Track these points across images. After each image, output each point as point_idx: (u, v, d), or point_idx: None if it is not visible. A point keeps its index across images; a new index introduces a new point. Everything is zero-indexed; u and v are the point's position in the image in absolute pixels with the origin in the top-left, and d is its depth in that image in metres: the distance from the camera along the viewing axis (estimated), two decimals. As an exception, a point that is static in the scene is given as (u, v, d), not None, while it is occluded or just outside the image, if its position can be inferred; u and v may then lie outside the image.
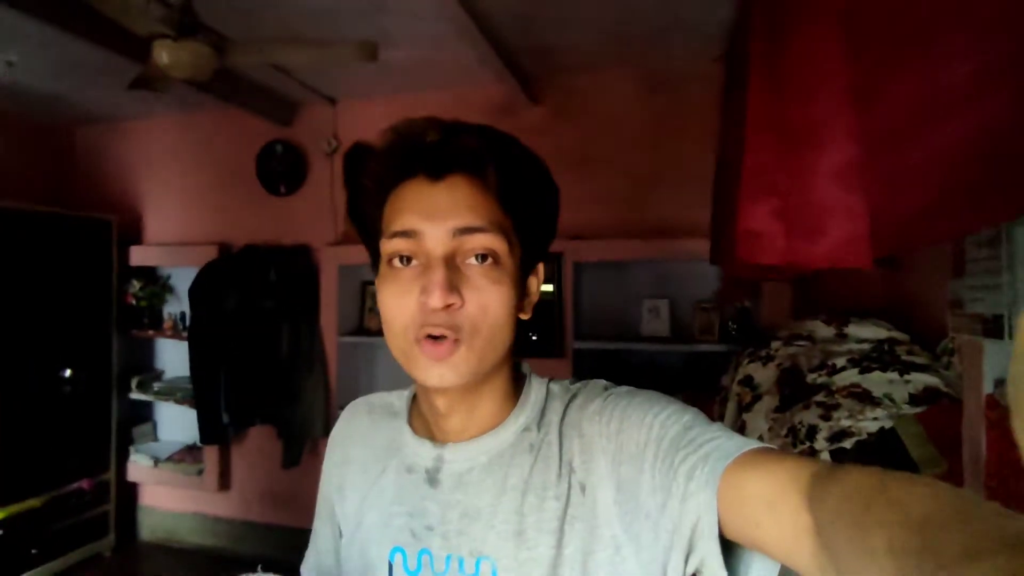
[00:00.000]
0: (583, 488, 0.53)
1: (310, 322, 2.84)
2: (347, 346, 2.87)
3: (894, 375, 1.62)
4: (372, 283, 2.99)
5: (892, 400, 1.58)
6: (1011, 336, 1.29)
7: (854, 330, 1.81)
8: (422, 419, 0.63)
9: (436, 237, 0.52)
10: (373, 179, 0.57)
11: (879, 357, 1.70)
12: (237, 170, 3.10)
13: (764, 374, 1.85)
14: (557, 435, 0.56)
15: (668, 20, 2.08)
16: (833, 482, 0.37)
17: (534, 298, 0.59)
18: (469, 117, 2.48)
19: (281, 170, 3.00)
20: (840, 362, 1.72)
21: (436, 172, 0.53)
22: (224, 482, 3.12)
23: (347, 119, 2.94)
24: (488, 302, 0.52)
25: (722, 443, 0.46)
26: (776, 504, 0.40)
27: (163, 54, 1.45)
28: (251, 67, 2.11)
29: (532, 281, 0.59)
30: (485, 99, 2.72)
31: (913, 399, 1.57)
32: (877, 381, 1.62)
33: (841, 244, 0.68)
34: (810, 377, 1.73)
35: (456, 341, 0.52)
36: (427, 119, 0.55)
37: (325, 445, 3.05)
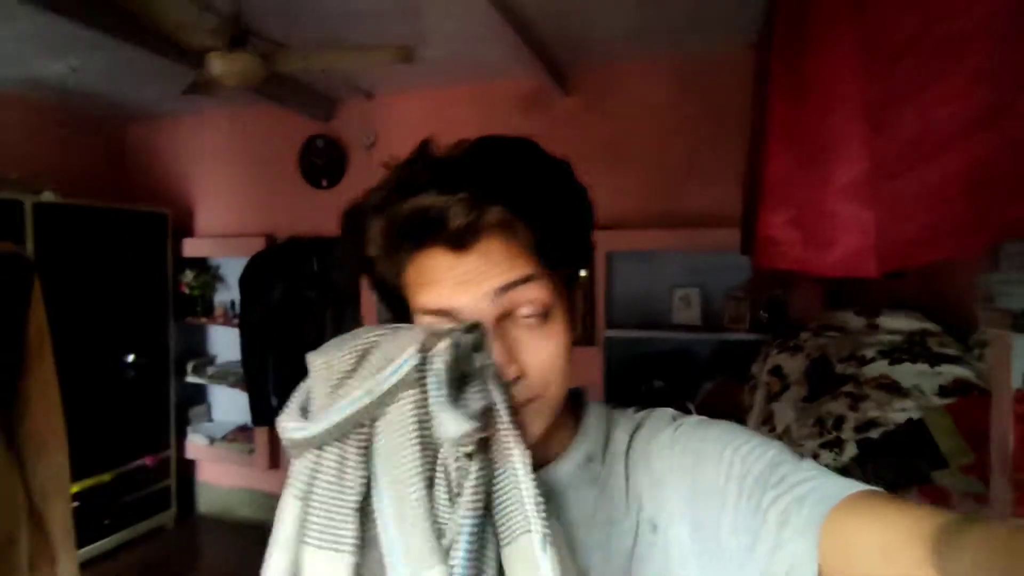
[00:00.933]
0: (654, 526, 0.49)
1: (353, 310, 2.98)
2: (386, 333, 2.99)
3: (924, 367, 1.63)
4: (409, 273, 3.11)
5: (921, 391, 1.59)
6: (1041, 331, 1.29)
7: (886, 321, 1.82)
8: None
9: (476, 309, 0.47)
10: (383, 251, 0.50)
11: (910, 349, 1.71)
12: (281, 164, 3.23)
13: (793, 364, 1.87)
14: (623, 467, 0.52)
15: (701, 7, 2.08)
16: (967, 534, 0.33)
17: (579, 310, 0.54)
18: (502, 110, 2.58)
19: (322, 164, 3.13)
20: (870, 353, 1.73)
21: (463, 245, 0.47)
22: (274, 461, 3.31)
23: (384, 113, 3.03)
24: (547, 360, 0.48)
25: (819, 484, 0.42)
26: (893, 555, 0.36)
27: (216, 65, 1.55)
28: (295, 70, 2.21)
29: (577, 296, 0.53)
30: (517, 91, 2.76)
31: (943, 391, 1.58)
32: (906, 373, 1.64)
33: (850, 255, 0.72)
34: (839, 368, 1.75)
35: (528, 403, 0.47)
36: (435, 178, 0.46)
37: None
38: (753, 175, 1.75)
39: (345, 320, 2.99)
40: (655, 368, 2.64)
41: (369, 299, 2.95)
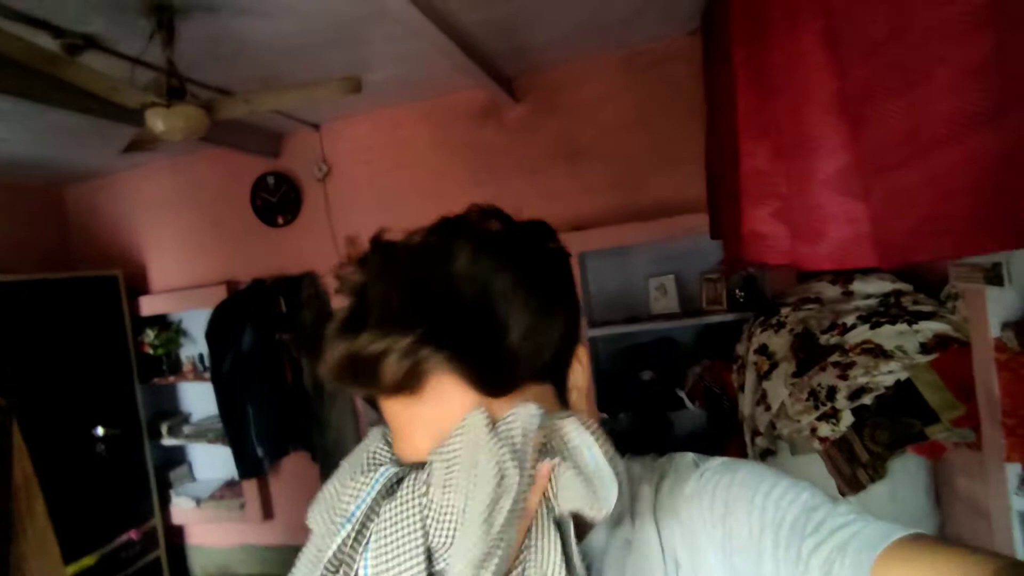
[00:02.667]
0: None
1: (328, 347, 2.89)
2: (367, 365, 2.92)
3: (903, 327, 1.68)
4: (382, 300, 3.05)
5: (904, 351, 1.64)
6: (1011, 282, 1.35)
7: (859, 286, 1.87)
8: None
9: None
10: (338, 388, 0.47)
11: (887, 311, 1.76)
12: (232, 207, 3.12)
13: (778, 341, 1.91)
14: (654, 525, 0.50)
15: (640, 1, 2.09)
16: None
17: (581, 384, 0.51)
18: (455, 123, 2.55)
19: (276, 201, 3.03)
20: (850, 320, 1.78)
21: (409, 391, 0.44)
22: (267, 511, 3.20)
23: (334, 141, 2.96)
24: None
25: (860, 530, 0.41)
26: None
27: (158, 122, 1.48)
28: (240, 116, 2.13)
29: (570, 376, 0.51)
30: (468, 104, 2.74)
31: (924, 348, 1.63)
32: (888, 335, 1.68)
33: (842, 246, 0.72)
34: (823, 339, 1.79)
35: None
36: (374, 319, 0.43)
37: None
38: (718, 162, 1.77)
39: (323, 358, 2.90)
40: (642, 360, 2.66)
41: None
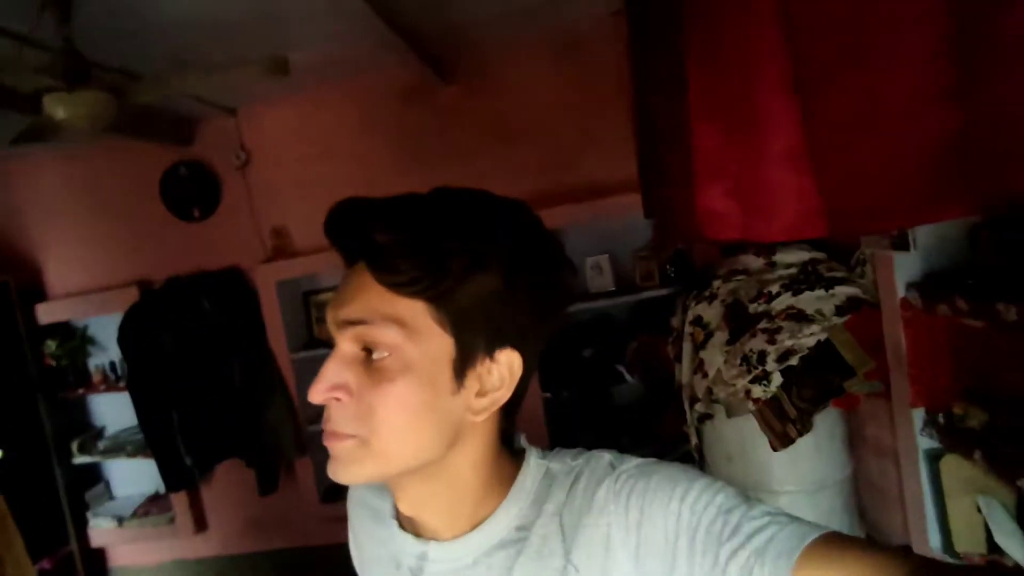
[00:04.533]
0: None
1: (258, 345, 2.75)
2: (302, 362, 2.81)
3: (821, 292, 1.83)
4: (315, 293, 2.94)
5: (823, 314, 1.79)
6: (915, 247, 1.49)
7: (781, 257, 2.00)
8: None
9: (333, 327, 0.49)
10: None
11: (806, 278, 1.90)
12: (141, 201, 2.88)
13: (711, 312, 2.02)
14: (558, 528, 0.49)
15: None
16: None
17: (499, 395, 0.49)
18: (380, 104, 2.49)
19: (191, 193, 2.82)
20: (775, 289, 1.91)
21: (347, 259, 0.51)
22: (200, 523, 3.02)
23: (253, 127, 2.79)
24: (374, 401, 0.47)
25: (776, 534, 0.41)
26: None
27: (58, 109, 1.33)
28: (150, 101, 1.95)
29: (483, 373, 0.49)
30: (396, 84, 2.66)
31: (839, 310, 1.79)
32: (808, 300, 1.83)
33: (794, 221, 0.78)
34: (752, 307, 1.92)
35: (347, 437, 0.48)
36: (356, 200, 0.50)
37: (301, 466, 2.95)
38: (652, 143, 1.83)
39: (252, 358, 2.76)
40: (581, 338, 2.73)
41: (276, 329, 2.74)
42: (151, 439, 2.73)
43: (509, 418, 0.54)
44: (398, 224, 0.47)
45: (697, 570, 0.43)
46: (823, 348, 1.77)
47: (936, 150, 0.52)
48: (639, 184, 2.22)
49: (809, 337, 1.77)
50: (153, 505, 3.08)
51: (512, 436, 0.56)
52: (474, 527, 0.52)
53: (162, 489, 2.88)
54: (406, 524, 0.55)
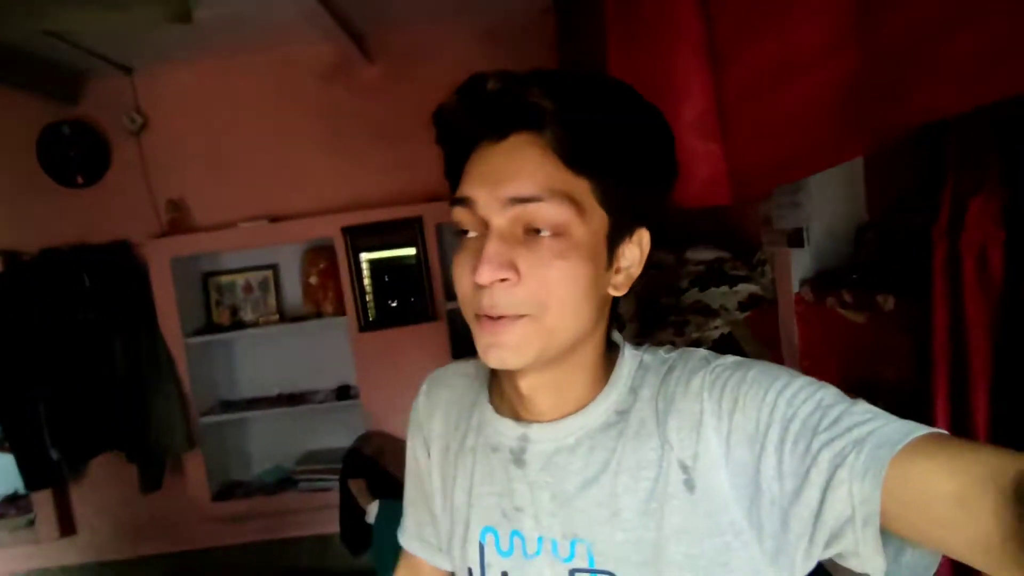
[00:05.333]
0: (684, 468, 0.49)
1: (147, 327, 2.51)
2: (197, 347, 2.60)
3: (725, 288, 1.92)
4: (215, 274, 2.73)
5: (727, 309, 1.88)
6: (809, 244, 1.60)
7: (691, 254, 2.09)
8: (504, 395, 0.58)
9: (490, 206, 0.48)
10: (449, 143, 0.54)
11: (712, 275, 2.00)
12: (12, 162, 2.55)
13: (626, 305, 2.07)
14: (653, 412, 0.51)
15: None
16: None
17: (633, 270, 0.52)
18: (299, 78, 2.36)
19: (74, 157, 2.53)
20: (684, 284, 1.99)
21: (496, 132, 0.49)
22: (66, 526, 2.70)
23: (151, 89, 2.55)
24: (549, 278, 0.47)
25: (880, 427, 0.41)
26: (969, 503, 0.35)
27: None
28: (20, 36, 1.72)
29: (626, 250, 0.51)
30: (315, 59, 2.54)
31: (741, 306, 1.89)
32: (713, 295, 1.92)
33: (704, 186, 0.80)
34: (663, 301, 1.98)
35: (518, 318, 0.48)
36: (496, 71, 0.49)
37: (190, 461, 2.74)
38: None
39: (140, 341, 2.51)
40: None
41: (169, 311, 2.51)
42: (10, 430, 2.42)
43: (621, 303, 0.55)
44: (575, 98, 0.46)
45: (787, 458, 0.43)
46: (726, 341, 1.85)
47: (836, 96, 0.55)
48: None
49: (714, 330, 1.86)
50: (10, 506, 2.72)
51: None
52: (577, 410, 0.54)
53: (22, 488, 2.55)
54: (502, 410, 0.57)
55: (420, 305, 2.57)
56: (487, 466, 0.57)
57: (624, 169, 0.48)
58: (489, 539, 0.57)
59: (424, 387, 0.67)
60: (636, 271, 0.52)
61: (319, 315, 2.62)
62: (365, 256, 2.53)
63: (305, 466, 2.67)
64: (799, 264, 1.63)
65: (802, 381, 0.46)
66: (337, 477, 2.29)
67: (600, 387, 0.54)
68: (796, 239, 1.60)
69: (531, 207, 0.46)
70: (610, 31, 0.92)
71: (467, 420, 0.61)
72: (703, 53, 0.73)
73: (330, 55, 2.51)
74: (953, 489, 0.36)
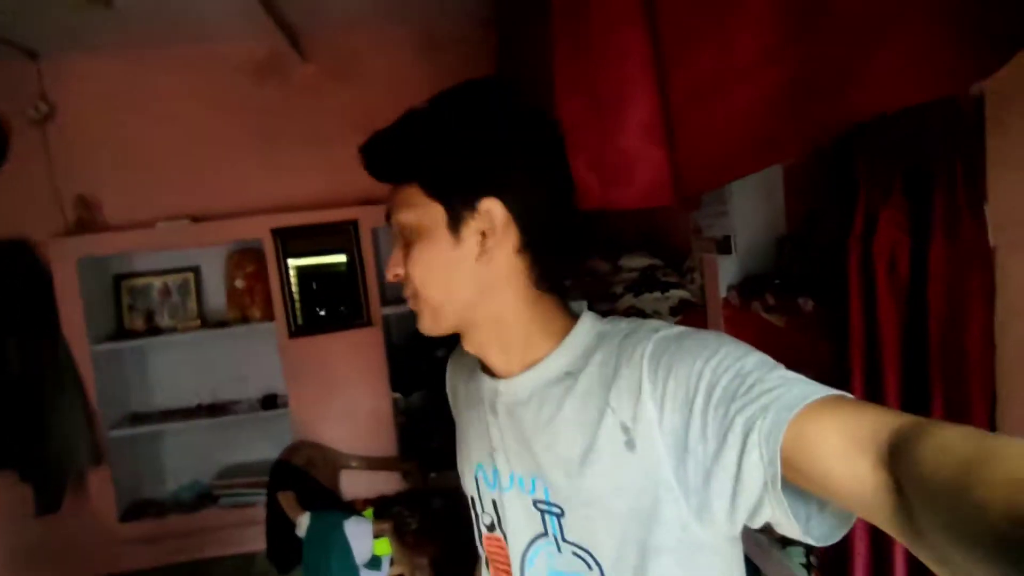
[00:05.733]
0: (625, 429, 0.54)
1: (49, 333, 2.30)
2: (105, 355, 2.40)
3: (658, 294, 2.00)
4: (129, 277, 2.54)
5: (659, 313, 1.96)
6: (736, 251, 1.70)
7: (625, 262, 2.17)
8: None
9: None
10: None
11: (645, 281, 2.08)
12: None
13: (562, 310, 2.11)
14: (601, 376, 0.57)
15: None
16: (926, 438, 0.35)
17: (490, 242, 0.58)
18: (227, 75, 2.28)
19: (-37, 144, 2.29)
20: (619, 290, 2.06)
21: (383, 181, 0.65)
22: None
23: (59, 77, 2.36)
24: (413, 268, 0.60)
25: (783, 392, 0.44)
26: (852, 456, 0.39)
27: None
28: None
29: (472, 224, 0.59)
30: (246, 55, 2.44)
31: (673, 310, 1.97)
32: (647, 301, 1.99)
33: (648, 188, 0.84)
34: (599, 307, 2.04)
35: (415, 302, 0.62)
36: (372, 136, 0.63)
37: (95, 478, 2.55)
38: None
39: (41, 350, 2.29)
40: (435, 337, 2.68)
41: (73, 315, 2.31)
42: None
43: (543, 265, 0.61)
44: (378, 135, 0.63)
45: (710, 423, 0.47)
46: (658, 344, 1.93)
47: (777, 98, 0.59)
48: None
49: (647, 334, 1.93)
50: None
51: (558, 283, 0.64)
52: (528, 367, 0.62)
53: None
54: (486, 371, 0.67)
55: (353, 310, 2.51)
56: (478, 414, 0.69)
57: (425, 170, 0.60)
58: (480, 474, 0.69)
59: (451, 356, 0.81)
60: (494, 240, 0.59)
61: (245, 320, 2.50)
62: (295, 262, 2.45)
63: (227, 480, 2.52)
64: (726, 271, 1.73)
65: (728, 349, 0.50)
66: (263, 491, 2.18)
67: (551, 348, 0.61)
68: (725, 246, 1.70)
69: (394, 219, 0.62)
70: (557, 42, 0.94)
71: (469, 380, 0.72)
72: (648, 62, 0.76)
73: (263, 52, 2.42)
74: (840, 443, 0.40)
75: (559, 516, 0.60)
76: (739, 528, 0.51)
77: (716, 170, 0.71)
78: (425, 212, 0.59)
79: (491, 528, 0.69)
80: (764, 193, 1.68)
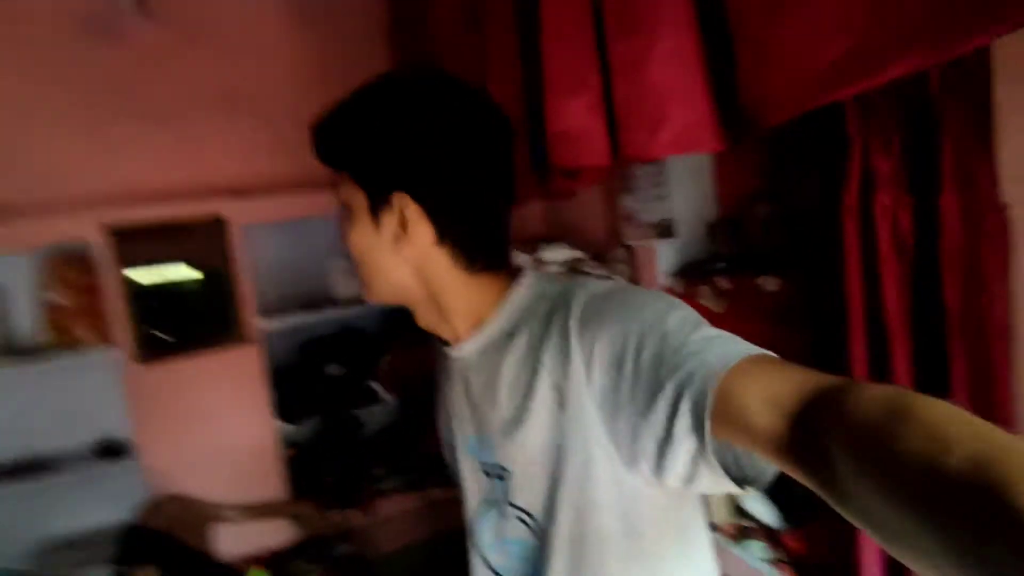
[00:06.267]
0: (557, 389, 0.55)
1: None
2: None
3: (584, 286, 1.88)
4: None
5: (588, 307, 1.83)
6: (678, 234, 1.61)
7: (547, 255, 2.01)
8: None
9: None
10: None
11: (569, 273, 1.94)
12: None
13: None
14: (536, 337, 0.58)
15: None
16: (854, 389, 0.36)
17: (400, 232, 0.59)
18: (43, 32, 1.76)
19: None
20: (543, 284, 1.90)
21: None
22: None
23: None
24: (348, 244, 0.63)
25: (708, 356, 0.45)
26: (773, 411, 0.39)
27: None
28: None
29: (387, 215, 0.60)
30: (66, 8, 1.90)
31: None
32: (574, 294, 1.86)
33: (686, 129, 0.67)
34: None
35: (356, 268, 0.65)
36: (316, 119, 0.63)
37: None
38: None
39: None
40: (325, 352, 2.32)
41: None
42: None
43: (467, 255, 0.61)
44: (316, 121, 0.64)
45: (640, 383, 0.48)
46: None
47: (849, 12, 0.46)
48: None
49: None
50: None
51: (494, 262, 0.63)
52: (473, 333, 0.63)
53: None
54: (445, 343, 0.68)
55: (221, 325, 2.06)
56: (448, 383, 0.70)
57: (349, 161, 0.61)
58: (455, 437, 0.70)
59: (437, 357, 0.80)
60: (405, 231, 0.59)
61: (69, 347, 1.93)
62: (141, 269, 1.96)
63: (51, 559, 1.92)
64: (667, 255, 1.64)
65: (655, 307, 0.51)
66: (104, 571, 1.66)
67: (495, 312, 0.62)
68: (666, 230, 1.60)
69: (337, 193, 0.63)
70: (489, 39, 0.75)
71: (443, 358, 0.72)
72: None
73: (93, 6, 1.90)
74: (763, 396, 0.40)
75: (502, 478, 0.62)
76: (669, 486, 0.50)
77: (790, 96, 0.56)
78: (353, 196, 0.61)
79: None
80: (695, 178, 1.62)
